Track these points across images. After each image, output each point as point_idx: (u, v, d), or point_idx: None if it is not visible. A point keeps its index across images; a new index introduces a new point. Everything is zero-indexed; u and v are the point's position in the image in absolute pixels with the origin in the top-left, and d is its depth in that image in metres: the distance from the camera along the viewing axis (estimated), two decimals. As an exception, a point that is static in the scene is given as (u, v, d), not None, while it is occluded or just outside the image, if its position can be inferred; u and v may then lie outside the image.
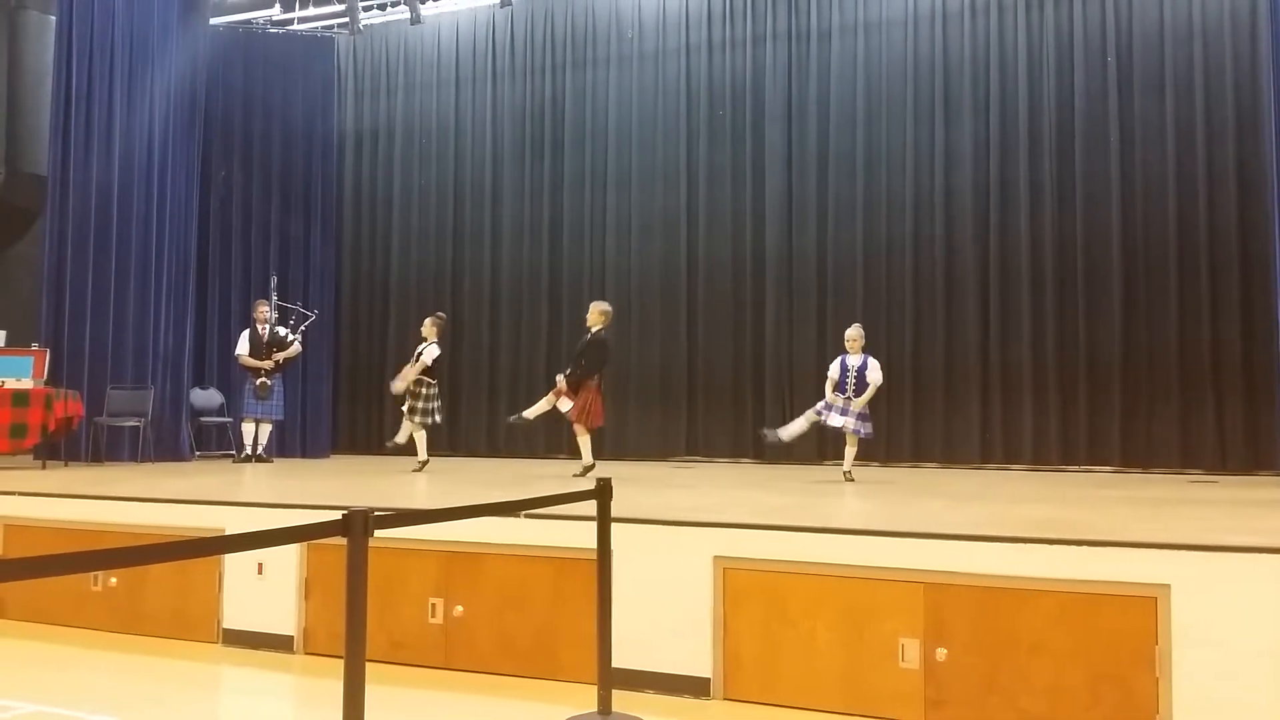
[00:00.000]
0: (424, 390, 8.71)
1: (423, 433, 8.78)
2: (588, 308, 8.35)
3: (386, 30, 12.64)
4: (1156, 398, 9.37)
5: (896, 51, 10.62)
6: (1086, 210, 9.78)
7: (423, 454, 8.81)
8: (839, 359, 8.11)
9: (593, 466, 8.00)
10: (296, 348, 10.39)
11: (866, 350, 8.03)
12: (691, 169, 11.30)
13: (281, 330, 10.29)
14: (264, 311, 10.23)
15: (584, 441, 8.06)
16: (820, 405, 8.01)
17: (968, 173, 10.22)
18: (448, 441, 12.03)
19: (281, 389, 10.21)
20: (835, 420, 7.91)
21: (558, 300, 11.75)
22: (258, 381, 9.96)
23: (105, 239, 9.97)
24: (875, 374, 7.89)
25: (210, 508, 5.99)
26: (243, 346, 10.20)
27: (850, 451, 8.00)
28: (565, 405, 8.02)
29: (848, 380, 7.92)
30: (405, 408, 8.76)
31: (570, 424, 8.23)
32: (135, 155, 10.21)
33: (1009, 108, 10.15)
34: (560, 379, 8.06)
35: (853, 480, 7.89)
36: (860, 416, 7.86)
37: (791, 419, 10.58)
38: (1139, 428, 9.41)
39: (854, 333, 8.09)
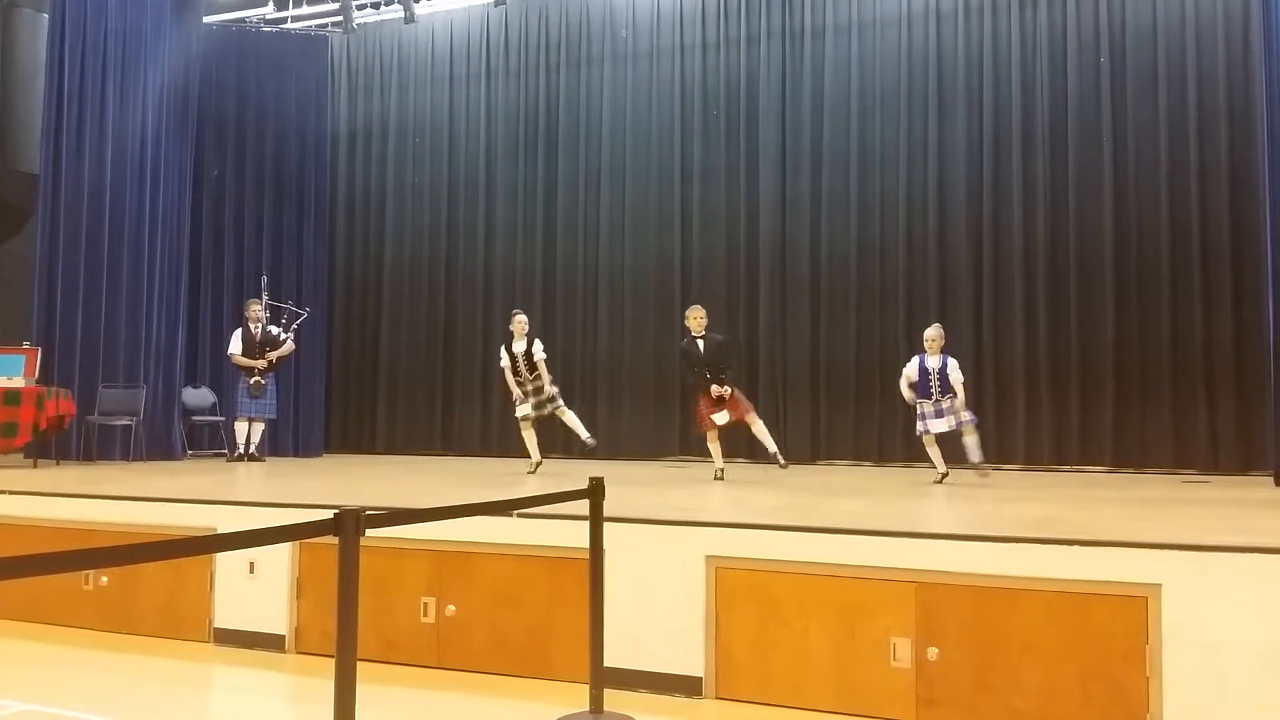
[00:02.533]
0: (548, 388, 8.54)
1: (532, 432, 8.68)
2: (689, 315, 8.25)
3: (380, 29, 12.63)
4: (1149, 397, 9.39)
5: (890, 50, 10.63)
6: (1079, 209, 9.81)
7: (536, 454, 8.73)
8: (916, 360, 7.84)
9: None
10: (289, 346, 10.39)
11: (945, 350, 7.77)
12: (685, 168, 11.31)
13: (274, 329, 10.28)
14: (256, 311, 10.23)
15: (762, 430, 8.12)
16: (919, 428, 7.75)
17: (961, 172, 10.24)
18: (441, 440, 12.05)
19: (274, 388, 10.20)
20: (939, 426, 7.60)
21: (551, 299, 11.75)
22: (251, 380, 9.95)
23: (97, 237, 9.94)
24: (958, 374, 7.64)
25: (202, 507, 5.98)
26: (235, 346, 10.18)
27: (971, 441, 7.57)
28: (724, 417, 7.96)
29: (930, 383, 7.64)
30: (537, 405, 8.54)
31: (737, 422, 8.14)
32: (128, 153, 10.19)
33: (1002, 107, 10.17)
34: (720, 390, 7.97)
35: (988, 475, 7.55)
36: (956, 410, 7.58)
37: (784, 416, 10.65)
38: (1131, 427, 9.43)
39: (933, 333, 7.79)
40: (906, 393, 7.84)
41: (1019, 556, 4.22)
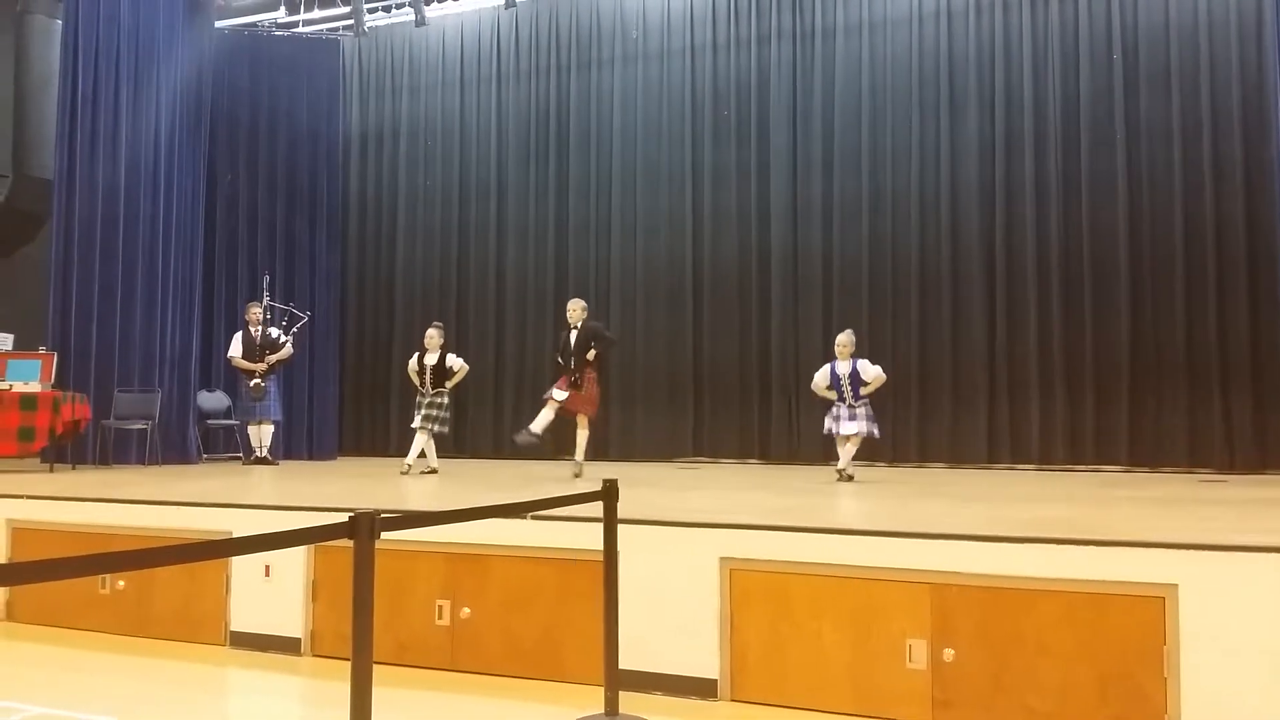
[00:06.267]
0: (445, 400, 8.92)
1: (426, 438, 8.97)
2: (568, 307, 8.67)
3: (392, 32, 12.66)
4: (1164, 396, 9.35)
5: (901, 50, 10.61)
6: (1092, 208, 9.77)
7: (433, 460, 9.01)
8: (826, 367, 8.16)
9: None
10: (288, 349, 10.38)
11: (855, 355, 8.07)
12: (696, 169, 11.31)
13: (274, 332, 10.29)
14: (256, 313, 10.25)
15: (583, 439, 8.28)
16: (828, 426, 8.07)
17: (973, 171, 10.21)
18: (454, 443, 12.05)
19: (275, 390, 10.23)
20: (848, 428, 7.91)
21: (564, 301, 11.65)
22: (251, 383, 9.99)
23: (112, 242, 9.98)
24: (870, 370, 7.96)
25: (217, 510, 6.00)
26: (235, 348, 10.22)
27: (850, 450, 7.96)
28: (563, 395, 8.14)
29: (842, 387, 7.97)
30: (425, 418, 8.85)
31: (574, 418, 8.33)
32: (141, 159, 10.22)
33: (1014, 105, 10.14)
34: (559, 390, 8.22)
35: (852, 479, 7.84)
36: (869, 419, 7.91)
37: (796, 418, 10.65)
38: (1146, 426, 9.38)
39: (845, 339, 8.12)
40: (824, 393, 8.15)
41: (1034, 557, 4.20)
